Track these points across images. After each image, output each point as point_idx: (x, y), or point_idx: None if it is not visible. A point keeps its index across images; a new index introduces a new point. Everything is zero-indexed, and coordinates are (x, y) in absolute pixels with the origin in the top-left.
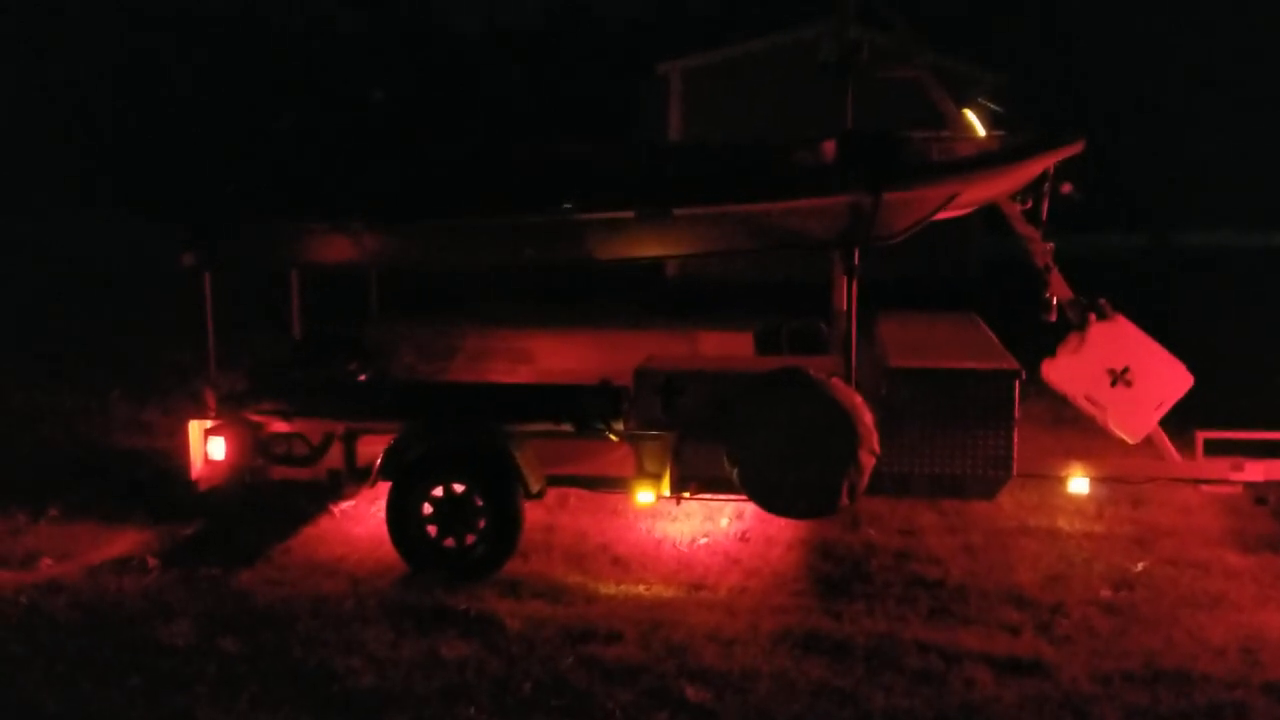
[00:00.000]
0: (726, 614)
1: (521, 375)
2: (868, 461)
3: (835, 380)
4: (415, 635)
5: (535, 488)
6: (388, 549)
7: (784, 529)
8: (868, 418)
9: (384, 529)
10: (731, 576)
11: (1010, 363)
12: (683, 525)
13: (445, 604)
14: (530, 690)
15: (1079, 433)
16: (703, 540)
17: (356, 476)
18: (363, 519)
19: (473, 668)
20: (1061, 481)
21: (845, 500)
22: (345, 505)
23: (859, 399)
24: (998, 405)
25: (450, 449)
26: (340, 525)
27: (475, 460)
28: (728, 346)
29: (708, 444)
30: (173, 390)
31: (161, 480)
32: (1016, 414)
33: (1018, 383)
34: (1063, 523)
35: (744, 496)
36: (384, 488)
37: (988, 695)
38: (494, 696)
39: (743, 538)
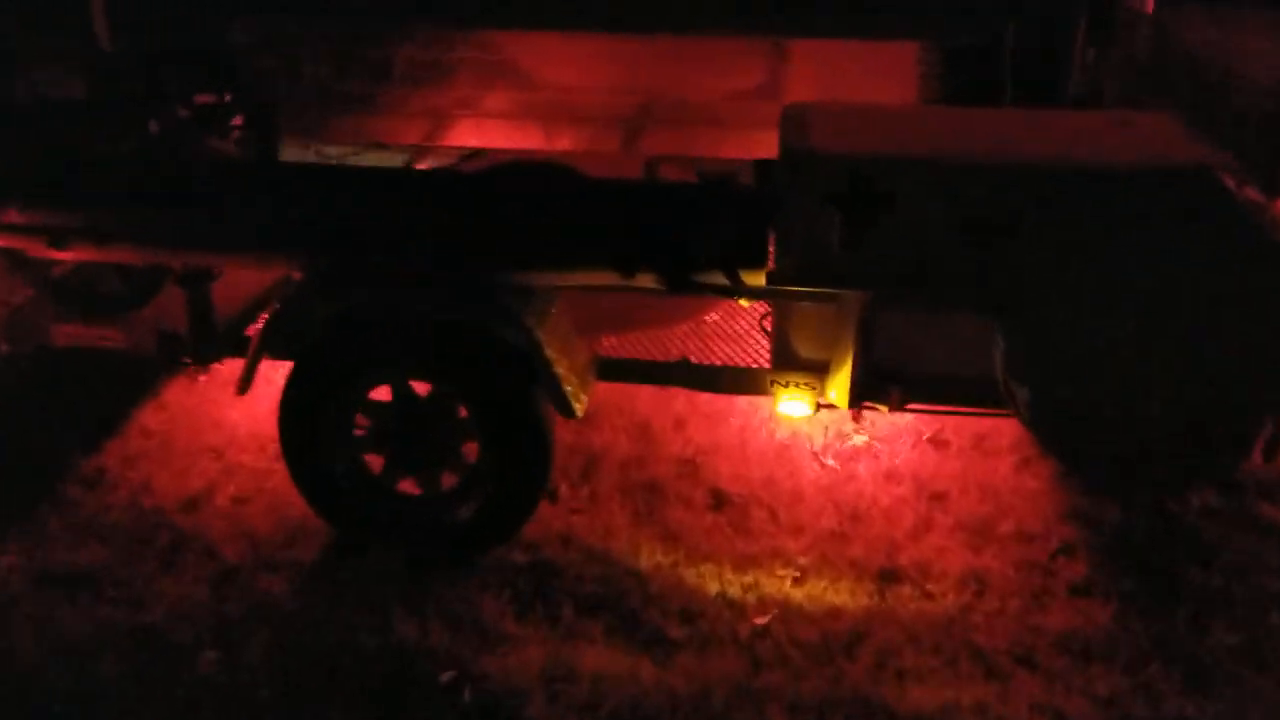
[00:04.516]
0: (977, 669)
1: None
2: None
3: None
4: None
5: (577, 406)
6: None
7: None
8: None
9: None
10: (942, 545)
11: None
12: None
13: (420, 650)
14: None
15: None
16: (858, 439)
17: (212, 348)
18: (241, 397)
19: None
20: None
21: (1259, 459)
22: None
23: None
24: None
25: (408, 314)
26: (200, 406)
27: (457, 339)
28: (861, 78)
29: (943, 315)
30: None
31: None
32: None
33: None
34: None
35: (1016, 421)
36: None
37: None
38: None
39: (933, 439)
